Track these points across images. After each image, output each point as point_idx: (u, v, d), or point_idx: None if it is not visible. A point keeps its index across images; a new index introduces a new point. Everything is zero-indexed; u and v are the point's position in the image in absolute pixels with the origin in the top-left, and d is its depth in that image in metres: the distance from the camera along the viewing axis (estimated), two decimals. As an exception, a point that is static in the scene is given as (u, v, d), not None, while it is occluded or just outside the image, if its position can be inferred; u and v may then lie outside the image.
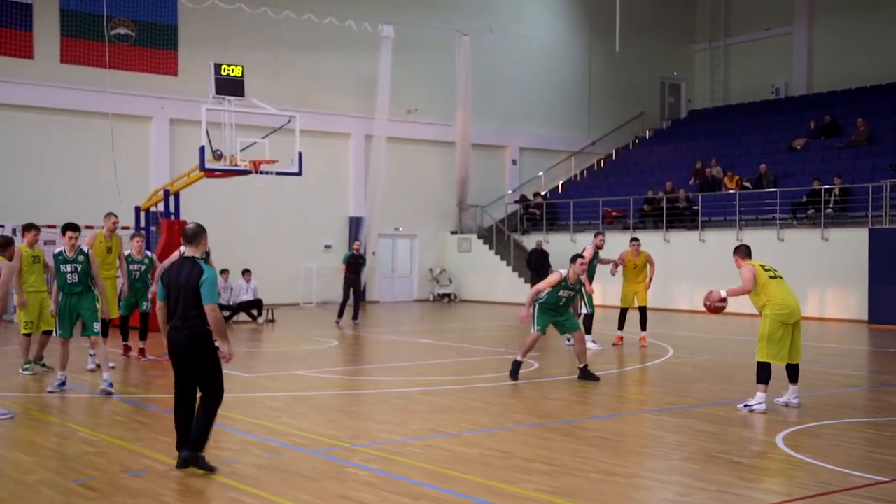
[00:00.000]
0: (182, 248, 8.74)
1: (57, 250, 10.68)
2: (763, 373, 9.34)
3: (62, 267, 10.59)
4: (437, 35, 28.47)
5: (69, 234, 10.61)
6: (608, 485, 6.55)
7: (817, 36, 32.11)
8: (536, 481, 6.56)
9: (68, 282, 10.57)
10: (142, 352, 13.62)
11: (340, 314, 19.86)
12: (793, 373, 9.53)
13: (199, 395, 7.02)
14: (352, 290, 19.92)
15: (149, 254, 13.83)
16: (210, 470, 6.78)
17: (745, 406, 9.43)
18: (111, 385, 10.29)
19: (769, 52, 33.21)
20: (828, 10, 31.85)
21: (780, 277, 9.83)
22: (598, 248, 14.78)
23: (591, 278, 14.60)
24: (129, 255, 13.63)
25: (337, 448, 7.64)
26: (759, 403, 9.31)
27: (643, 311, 15.34)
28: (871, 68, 30.11)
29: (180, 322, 6.85)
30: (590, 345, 13.94)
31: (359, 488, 6.41)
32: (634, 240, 15.53)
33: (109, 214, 13.06)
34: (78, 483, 6.51)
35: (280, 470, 6.93)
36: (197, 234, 7.01)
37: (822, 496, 6.23)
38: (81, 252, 10.68)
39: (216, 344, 6.94)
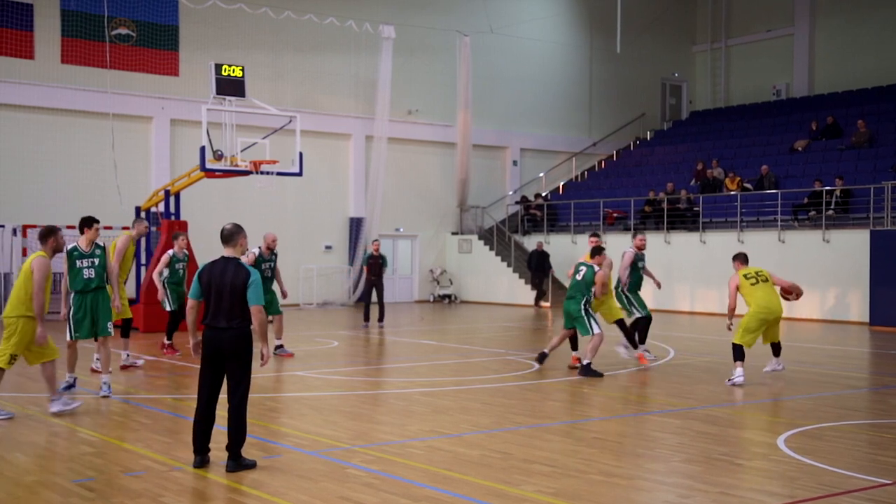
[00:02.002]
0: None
1: (70, 245, 10.27)
2: (737, 352, 11.33)
3: (78, 262, 10.23)
4: (437, 36, 28.47)
5: (96, 226, 10.34)
6: (609, 486, 6.53)
7: (818, 37, 32.09)
8: (537, 483, 6.54)
9: (84, 277, 10.20)
10: (170, 346, 14.08)
11: (366, 317, 19.32)
12: (775, 349, 11.78)
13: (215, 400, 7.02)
14: (374, 290, 19.14)
15: (275, 251, 14.07)
16: (252, 465, 6.85)
17: (729, 381, 11.22)
18: (109, 388, 10.21)
19: (770, 53, 33.20)
20: (829, 12, 31.83)
21: (765, 281, 11.58)
22: (640, 249, 13.30)
23: (637, 286, 13.32)
24: (173, 254, 13.94)
25: (337, 449, 7.62)
26: (738, 377, 11.22)
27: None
28: (872, 69, 30.10)
29: (225, 322, 6.82)
30: (620, 350, 13.26)
31: (359, 489, 6.39)
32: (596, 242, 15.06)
33: (142, 220, 12.98)
34: (77, 484, 6.49)
35: (280, 471, 6.91)
36: (234, 235, 6.97)
37: (824, 498, 6.20)
38: (98, 246, 10.39)
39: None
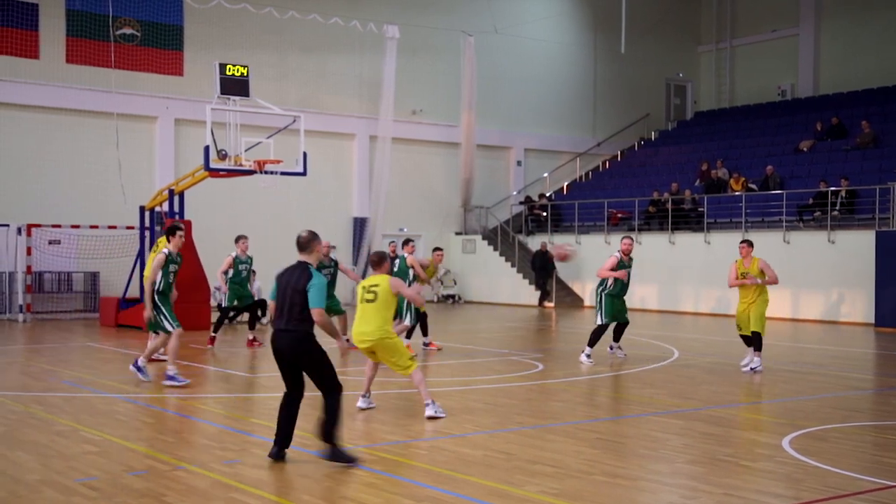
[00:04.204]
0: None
1: (234, 254, 11.79)
2: (760, 341, 12.61)
3: (171, 266, 11.16)
4: (441, 36, 28.46)
5: (179, 233, 11.17)
6: (612, 487, 6.50)
7: (823, 38, 32.01)
8: (540, 483, 6.52)
9: (170, 281, 11.16)
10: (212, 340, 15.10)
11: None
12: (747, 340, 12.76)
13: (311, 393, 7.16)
14: None
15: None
16: (351, 461, 6.87)
17: (751, 368, 12.38)
18: (171, 378, 10.82)
19: (775, 53, 33.13)
20: (834, 12, 31.75)
21: (743, 274, 12.59)
22: (625, 253, 13.29)
23: (621, 291, 13.31)
24: (237, 256, 14.98)
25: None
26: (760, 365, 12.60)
27: (423, 316, 14.59)
28: (877, 70, 30.02)
29: (283, 325, 6.97)
30: (618, 354, 13.66)
31: (361, 490, 6.37)
32: (438, 249, 15.52)
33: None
34: (80, 483, 6.48)
35: (282, 470, 6.89)
36: (309, 242, 7.23)
37: (829, 500, 6.17)
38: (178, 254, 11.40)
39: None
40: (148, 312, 10.97)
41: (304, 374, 7.06)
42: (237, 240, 15.35)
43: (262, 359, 14.00)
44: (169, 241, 11.13)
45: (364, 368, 9.35)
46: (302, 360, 6.97)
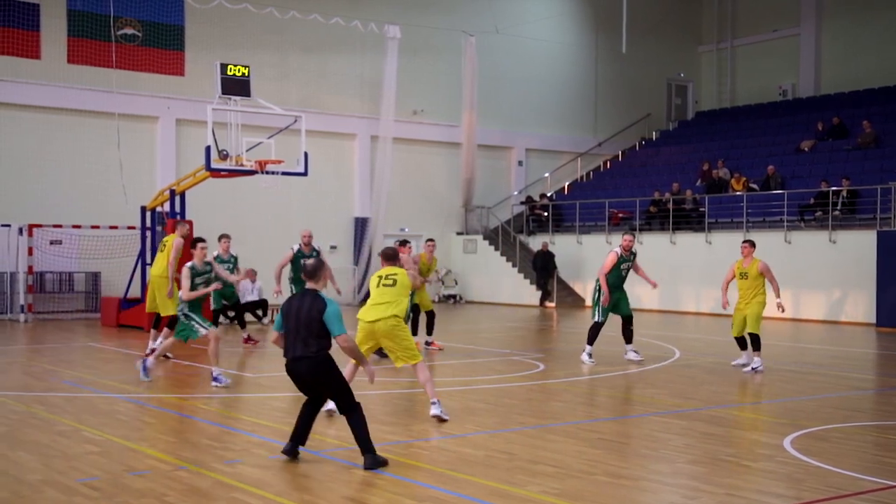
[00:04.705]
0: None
1: (215, 254, 11.77)
2: (758, 342, 12.67)
3: (196, 279, 11.34)
4: (443, 36, 28.45)
5: (200, 245, 11.41)
6: (614, 487, 6.50)
7: (825, 37, 32.00)
8: (542, 483, 6.52)
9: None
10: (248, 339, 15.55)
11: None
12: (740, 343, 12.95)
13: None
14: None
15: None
16: (383, 463, 6.87)
17: (752, 369, 12.39)
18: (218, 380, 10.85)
19: (776, 53, 33.11)
20: (835, 12, 31.74)
21: (742, 273, 12.73)
22: (626, 250, 13.20)
23: (616, 287, 13.30)
24: (217, 255, 14.96)
25: (341, 449, 7.61)
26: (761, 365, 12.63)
27: (430, 315, 14.65)
28: (878, 70, 30.00)
29: (301, 351, 6.97)
30: (632, 355, 13.37)
31: (363, 490, 6.37)
32: (430, 240, 15.22)
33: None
34: (81, 483, 6.48)
35: (284, 471, 6.90)
36: (317, 270, 7.21)
37: (831, 500, 6.17)
38: (208, 264, 11.62)
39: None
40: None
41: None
42: (219, 238, 15.45)
43: (263, 359, 14.01)
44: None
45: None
46: (322, 385, 7.06)
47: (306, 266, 7.26)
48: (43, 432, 8.25)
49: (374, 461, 6.87)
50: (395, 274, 8.80)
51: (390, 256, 9.04)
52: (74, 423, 8.66)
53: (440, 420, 8.67)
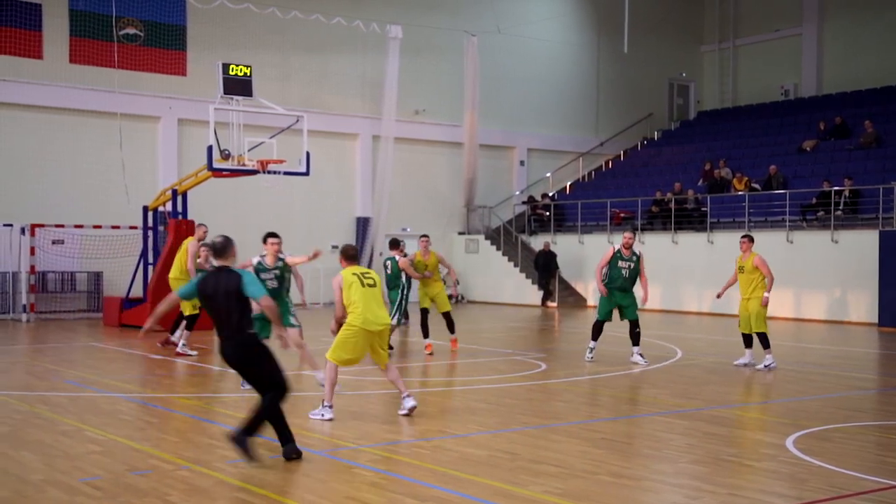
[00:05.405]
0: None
1: (256, 259, 10.81)
2: (767, 339, 12.83)
3: (262, 275, 10.63)
4: (444, 36, 28.45)
5: (271, 241, 10.77)
6: (617, 487, 6.50)
7: (826, 37, 31.98)
8: (544, 483, 6.51)
9: (270, 287, 10.53)
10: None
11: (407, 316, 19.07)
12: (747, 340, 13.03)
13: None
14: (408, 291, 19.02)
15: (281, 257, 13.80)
16: (253, 458, 6.81)
17: (764, 366, 12.56)
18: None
19: (778, 53, 33.09)
20: (837, 12, 31.71)
21: (740, 268, 12.89)
22: (625, 248, 13.10)
23: (614, 284, 13.16)
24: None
25: (344, 448, 7.61)
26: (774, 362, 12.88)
27: (446, 315, 14.50)
28: (880, 70, 29.98)
29: (226, 332, 6.92)
30: (637, 358, 13.15)
31: (365, 489, 6.37)
32: (423, 236, 14.93)
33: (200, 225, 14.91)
34: (84, 482, 6.49)
35: (286, 470, 6.90)
36: (225, 247, 7.09)
37: (833, 500, 6.16)
38: (281, 259, 10.86)
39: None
40: None
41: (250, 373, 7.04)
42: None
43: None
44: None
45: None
46: (248, 366, 6.97)
47: (214, 242, 7.14)
48: (45, 432, 8.25)
49: (243, 444, 6.77)
50: (370, 274, 8.74)
51: (352, 256, 8.82)
52: (77, 422, 8.67)
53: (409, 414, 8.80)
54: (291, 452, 7.07)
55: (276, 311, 7.00)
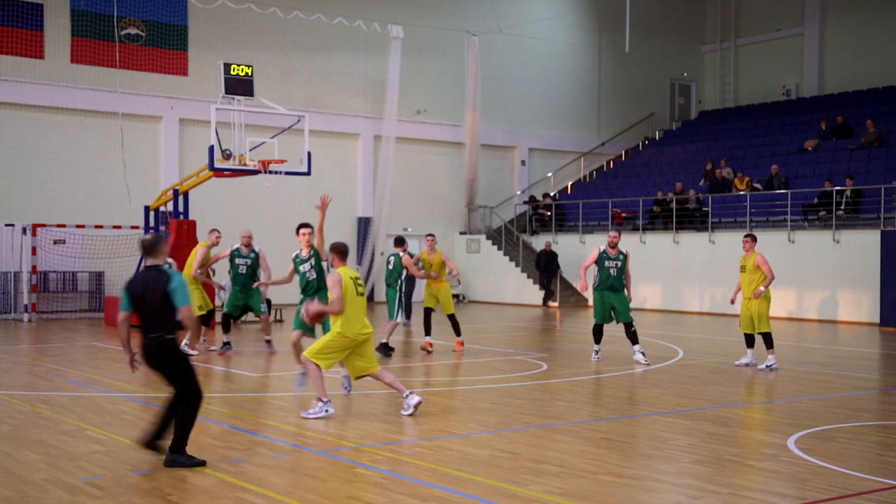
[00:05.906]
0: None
1: (294, 253, 11.09)
2: (770, 339, 12.76)
3: (301, 267, 11.06)
4: (446, 36, 28.46)
5: (303, 231, 11.08)
6: (618, 487, 6.50)
7: (828, 37, 31.95)
8: (546, 483, 6.51)
9: (308, 279, 11.00)
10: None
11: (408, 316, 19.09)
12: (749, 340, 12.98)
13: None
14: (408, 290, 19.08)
15: (255, 248, 14.08)
16: (198, 464, 6.82)
17: (766, 366, 12.48)
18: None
19: (780, 53, 33.07)
20: (839, 12, 31.69)
21: (742, 267, 12.87)
22: (610, 247, 13.29)
23: (604, 285, 13.23)
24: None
25: (345, 448, 7.61)
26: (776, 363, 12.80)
27: (451, 318, 14.51)
28: (882, 69, 29.97)
29: (146, 332, 6.86)
30: (639, 357, 13.13)
31: (367, 489, 6.37)
32: (429, 235, 14.94)
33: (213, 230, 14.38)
34: (86, 482, 6.49)
35: (287, 470, 6.90)
36: (154, 245, 6.98)
37: (835, 500, 6.16)
38: (314, 250, 11.03)
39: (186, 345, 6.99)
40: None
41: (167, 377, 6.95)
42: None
43: (267, 359, 14.01)
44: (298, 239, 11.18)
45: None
46: (163, 368, 6.89)
47: (144, 240, 7.06)
48: (47, 431, 8.26)
49: (173, 462, 6.78)
50: (361, 282, 8.78)
51: (346, 254, 8.79)
52: (79, 422, 8.67)
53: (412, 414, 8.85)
54: (148, 444, 6.94)
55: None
